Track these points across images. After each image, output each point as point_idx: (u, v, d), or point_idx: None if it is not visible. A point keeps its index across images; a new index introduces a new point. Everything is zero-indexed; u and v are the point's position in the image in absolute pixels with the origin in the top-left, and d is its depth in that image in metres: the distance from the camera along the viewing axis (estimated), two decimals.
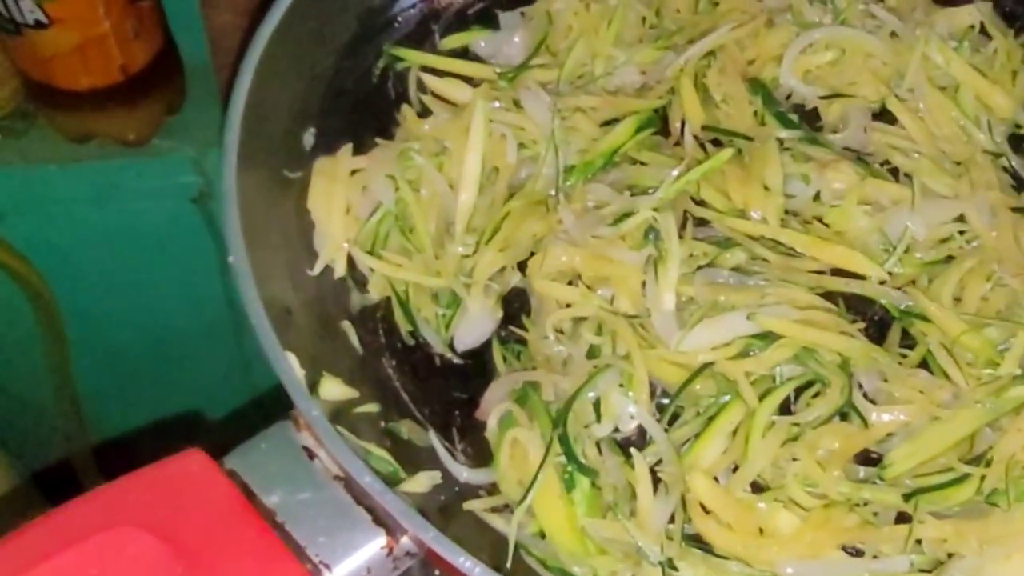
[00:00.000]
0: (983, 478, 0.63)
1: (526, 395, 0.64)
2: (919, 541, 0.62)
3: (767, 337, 0.67)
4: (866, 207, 0.74)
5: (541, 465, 0.61)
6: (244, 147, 0.67)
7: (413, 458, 0.63)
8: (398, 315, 0.72)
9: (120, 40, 0.97)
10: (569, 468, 0.61)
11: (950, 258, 0.73)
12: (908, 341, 0.70)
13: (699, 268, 0.70)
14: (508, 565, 0.57)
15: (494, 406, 0.64)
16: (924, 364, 0.69)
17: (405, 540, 0.51)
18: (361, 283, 0.73)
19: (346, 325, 0.70)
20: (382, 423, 0.65)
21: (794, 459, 0.64)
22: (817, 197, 0.75)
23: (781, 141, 0.77)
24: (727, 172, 0.75)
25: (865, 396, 0.67)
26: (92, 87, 0.99)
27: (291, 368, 0.56)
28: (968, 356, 0.68)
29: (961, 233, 0.74)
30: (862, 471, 0.65)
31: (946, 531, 0.61)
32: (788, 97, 0.82)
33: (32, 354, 1.18)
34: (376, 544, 0.51)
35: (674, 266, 0.68)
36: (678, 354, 0.66)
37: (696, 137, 0.79)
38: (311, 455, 0.53)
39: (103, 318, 1.15)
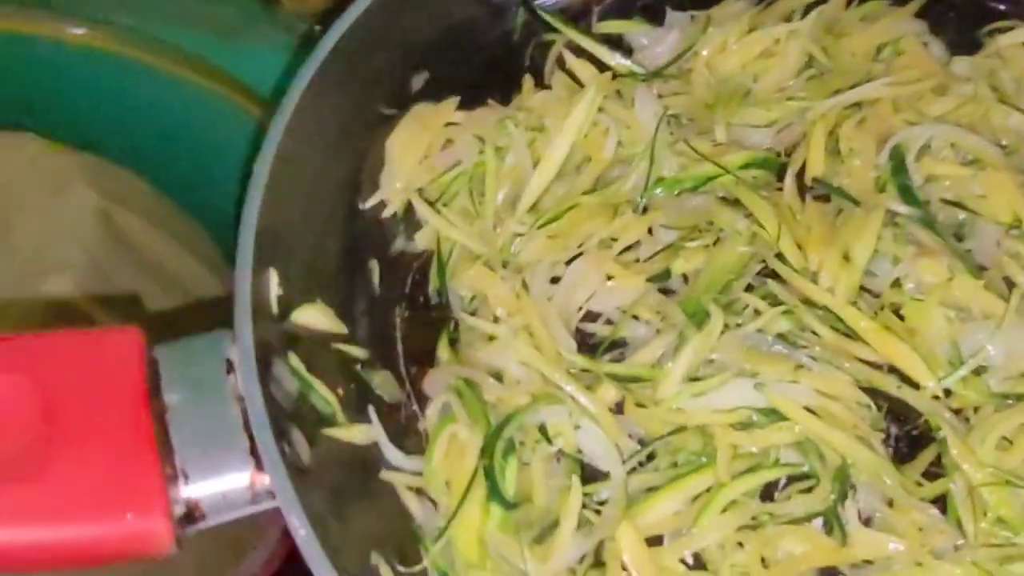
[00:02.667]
0: None
1: (462, 393, 0.58)
2: None
3: (772, 415, 0.58)
4: (951, 312, 0.62)
5: (473, 478, 0.55)
6: (342, 64, 0.65)
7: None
8: (433, 271, 0.67)
9: None
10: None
11: None
12: (938, 470, 0.59)
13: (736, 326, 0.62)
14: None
15: (436, 394, 0.59)
16: (944, 500, 0.58)
17: (268, 479, 0.48)
18: (409, 230, 0.69)
19: (373, 264, 0.67)
20: (358, 367, 0.61)
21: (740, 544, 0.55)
22: (897, 284, 0.63)
23: (893, 215, 0.66)
24: (813, 229, 0.65)
25: (860, 514, 0.57)
26: None
27: (246, 287, 0.53)
28: (997, 512, 0.56)
29: None
30: None
31: None
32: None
33: None
34: (240, 472, 0.48)
35: (688, 357, 0.59)
36: (671, 412, 0.58)
37: (803, 186, 0.69)
38: (230, 369, 0.50)
39: None
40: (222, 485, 0.48)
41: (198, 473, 0.48)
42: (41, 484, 0.45)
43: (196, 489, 0.48)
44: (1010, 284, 0.64)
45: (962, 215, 0.68)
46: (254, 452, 0.48)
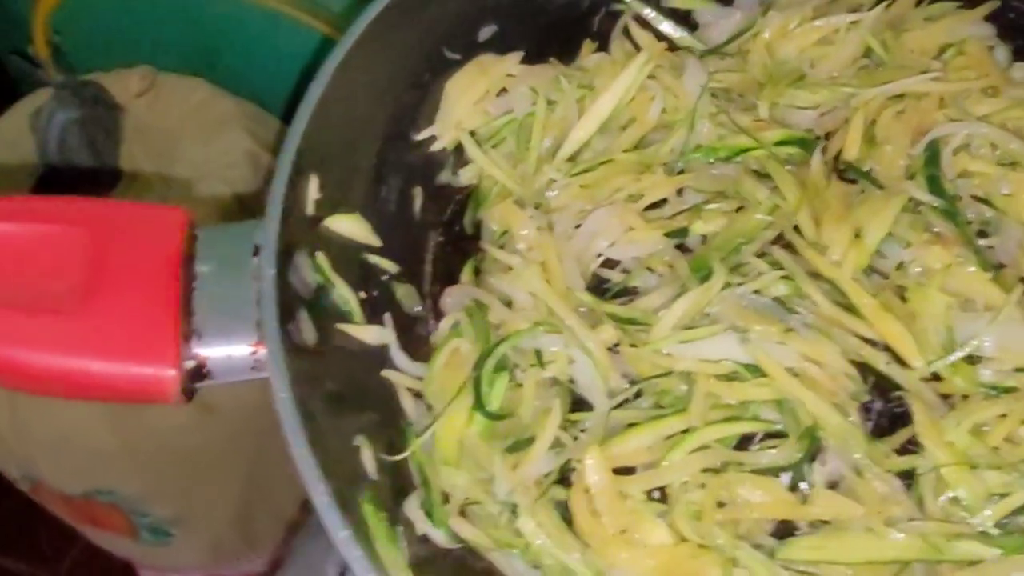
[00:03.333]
0: None
1: (472, 312, 0.62)
2: None
3: (755, 372, 0.60)
4: (952, 299, 0.63)
5: (463, 386, 0.59)
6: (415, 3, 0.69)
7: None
8: (472, 205, 0.72)
9: None
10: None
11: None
12: (916, 448, 0.60)
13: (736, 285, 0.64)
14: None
15: (451, 311, 0.63)
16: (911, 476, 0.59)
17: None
18: (456, 165, 0.73)
19: (417, 191, 0.71)
20: (385, 277, 0.66)
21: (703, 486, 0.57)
22: (903, 267, 0.64)
23: (916, 203, 0.67)
24: (831, 205, 0.67)
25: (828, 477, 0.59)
26: None
27: (283, 181, 0.58)
28: (955, 492, 0.57)
29: None
30: (766, 539, 0.57)
31: None
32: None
33: None
34: (246, 340, 0.53)
35: (683, 306, 0.62)
36: (658, 354, 0.61)
37: (837, 170, 0.70)
38: (256, 252, 0.56)
39: None
40: (229, 349, 0.54)
41: (210, 335, 0.53)
42: (75, 319, 0.51)
43: (206, 348, 0.53)
44: None
45: (990, 213, 0.68)
46: (261, 325, 0.53)
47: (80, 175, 1.22)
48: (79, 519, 1.38)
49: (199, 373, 0.53)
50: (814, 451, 0.59)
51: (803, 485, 0.58)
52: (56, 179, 1.22)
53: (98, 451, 1.21)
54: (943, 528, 0.54)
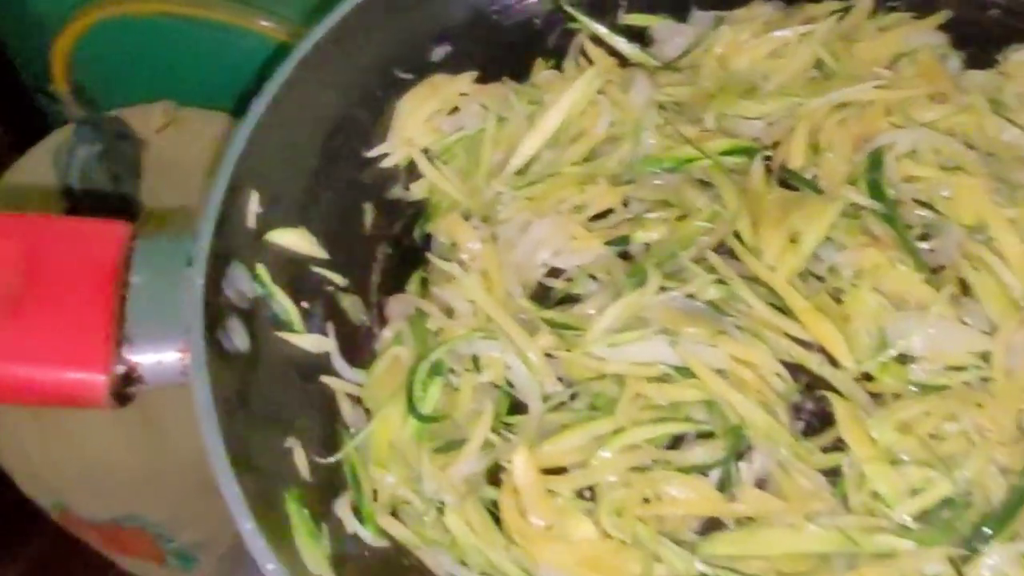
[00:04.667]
0: None
1: (413, 321, 0.63)
2: None
3: (687, 374, 0.61)
4: (885, 300, 0.62)
5: (398, 390, 0.60)
6: (366, 20, 0.69)
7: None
8: (422, 219, 0.73)
9: None
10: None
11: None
12: (842, 446, 0.59)
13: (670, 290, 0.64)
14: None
15: (395, 318, 0.65)
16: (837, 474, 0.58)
17: None
18: (407, 181, 0.74)
19: (367, 206, 0.72)
20: (330, 288, 0.67)
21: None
22: (836, 270, 0.64)
23: (857, 208, 0.67)
24: (769, 210, 0.67)
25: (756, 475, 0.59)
26: None
27: (218, 194, 0.59)
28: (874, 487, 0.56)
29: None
30: (691, 535, 0.57)
31: None
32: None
33: None
34: (175, 346, 0.55)
35: (616, 311, 0.62)
36: (590, 358, 0.62)
37: (782, 181, 0.70)
38: (190, 263, 0.57)
39: None
40: (159, 356, 0.55)
41: (141, 341, 0.55)
42: (7, 327, 0.53)
43: (137, 354, 0.55)
44: (964, 285, 0.64)
45: (932, 216, 0.68)
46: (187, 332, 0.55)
47: (102, 209, 1.25)
48: (108, 546, 1.40)
49: (130, 378, 0.55)
50: (741, 450, 0.59)
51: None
52: (78, 214, 1.25)
53: (125, 478, 1.23)
54: (861, 522, 0.54)
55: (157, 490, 1.24)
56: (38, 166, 1.28)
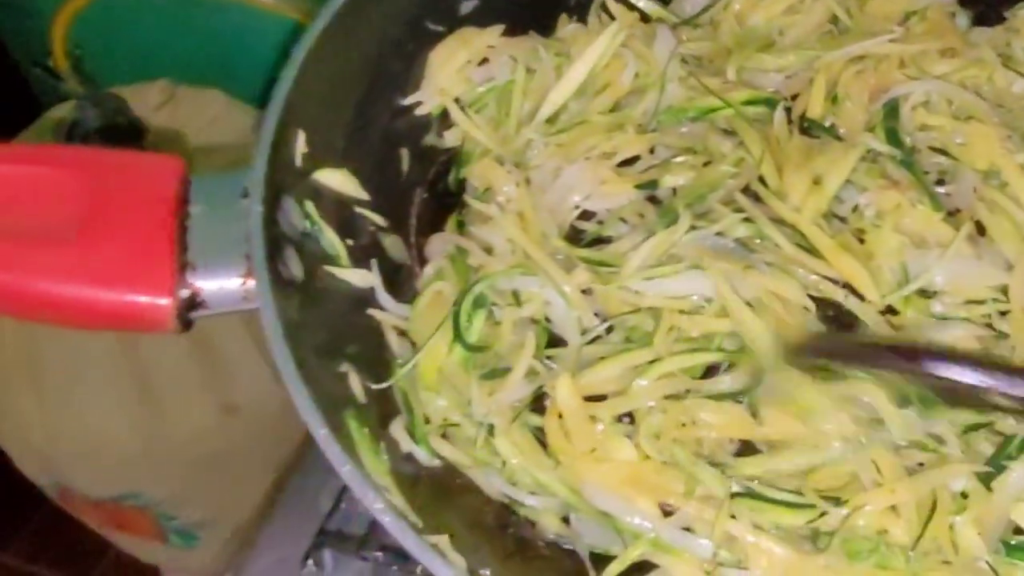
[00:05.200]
0: (822, 514, 0.55)
1: (454, 258, 0.66)
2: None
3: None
4: (906, 239, 0.65)
5: (444, 320, 0.63)
6: None
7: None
8: (456, 165, 0.75)
9: None
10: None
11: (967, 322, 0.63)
12: None
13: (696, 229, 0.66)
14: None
15: (434, 257, 0.67)
16: None
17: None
18: (440, 128, 0.77)
19: (404, 151, 0.75)
20: (372, 228, 0.69)
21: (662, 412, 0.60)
22: (858, 210, 0.67)
23: (875, 154, 0.70)
24: (792, 156, 0.70)
25: None
26: None
27: (270, 131, 0.61)
28: None
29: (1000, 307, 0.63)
30: (728, 458, 0.60)
31: (755, 544, 0.55)
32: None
33: None
34: (236, 272, 0.57)
35: (650, 246, 0.65)
36: (626, 292, 0.64)
37: (801, 129, 0.73)
38: (246, 194, 0.59)
39: None
40: (221, 281, 0.57)
41: (204, 268, 0.57)
42: (76, 250, 0.55)
43: (200, 280, 0.57)
44: (980, 227, 0.67)
45: (947, 162, 0.71)
46: (249, 258, 0.57)
47: None
48: (107, 524, 1.41)
49: (193, 302, 0.57)
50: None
51: None
52: None
53: (126, 456, 1.24)
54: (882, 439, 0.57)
55: (159, 467, 1.26)
56: (38, 141, 1.28)
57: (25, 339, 1.20)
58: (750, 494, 0.56)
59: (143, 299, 0.55)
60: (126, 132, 1.24)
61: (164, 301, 0.55)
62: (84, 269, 0.54)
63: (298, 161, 0.65)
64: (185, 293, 0.56)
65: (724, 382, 0.61)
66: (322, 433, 0.49)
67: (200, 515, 1.34)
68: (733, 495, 0.56)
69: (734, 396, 0.61)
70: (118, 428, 1.21)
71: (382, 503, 0.49)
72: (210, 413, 1.22)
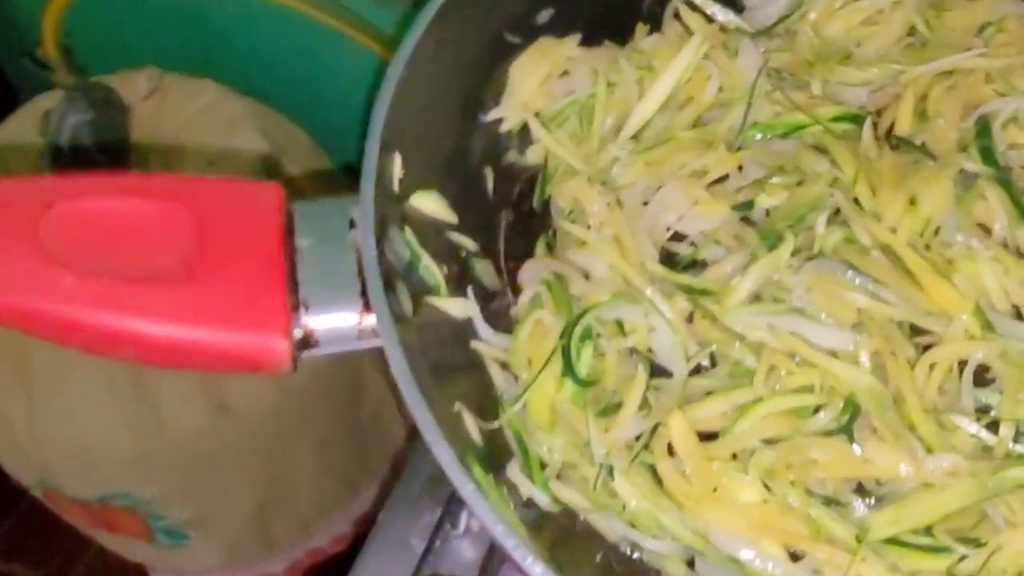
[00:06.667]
0: (962, 558, 0.54)
1: (551, 285, 0.63)
2: None
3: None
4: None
5: (552, 354, 0.60)
6: None
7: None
8: (540, 184, 0.72)
9: None
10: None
11: None
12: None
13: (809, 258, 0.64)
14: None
15: (529, 284, 0.64)
16: None
17: (374, 319, 0.53)
18: (522, 145, 0.74)
19: (488, 170, 0.72)
20: (463, 253, 0.66)
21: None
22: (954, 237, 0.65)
23: (971, 176, 0.68)
24: (886, 174, 0.68)
25: None
26: None
27: (374, 158, 0.58)
28: None
29: None
30: (855, 500, 0.58)
31: None
32: None
33: None
34: (351, 309, 0.54)
35: (755, 275, 0.63)
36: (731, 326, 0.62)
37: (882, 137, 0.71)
38: (352, 225, 0.56)
39: None
40: (335, 319, 0.54)
41: (317, 306, 0.54)
42: (186, 290, 0.51)
43: (313, 319, 0.54)
44: None
45: None
46: (364, 295, 0.54)
47: None
48: (93, 524, 1.37)
49: (307, 342, 0.54)
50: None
51: None
52: None
53: (115, 456, 1.20)
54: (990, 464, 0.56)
55: (149, 467, 1.22)
56: (21, 132, 1.23)
57: (13, 336, 1.16)
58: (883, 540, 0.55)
59: (257, 341, 0.52)
60: (116, 124, 1.19)
61: (280, 343, 0.52)
62: (197, 310, 0.51)
63: (395, 186, 0.62)
64: (299, 334, 0.53)
65: (819, 420, 0.59)
66: (469, 490, 0.46)
67: (189, 515, 1.31)
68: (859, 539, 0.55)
69: (838, 432, 0.59)
70: (109, 428, 1.18)
71: (531, 557, 0.46)
72: (203, 413, 1.19)
